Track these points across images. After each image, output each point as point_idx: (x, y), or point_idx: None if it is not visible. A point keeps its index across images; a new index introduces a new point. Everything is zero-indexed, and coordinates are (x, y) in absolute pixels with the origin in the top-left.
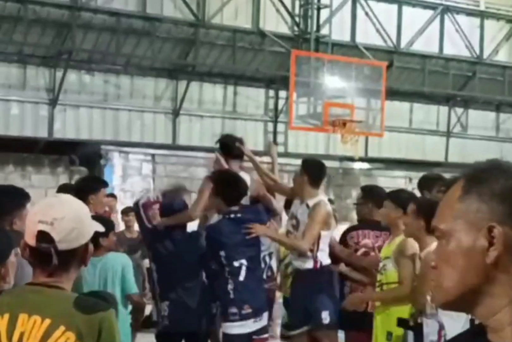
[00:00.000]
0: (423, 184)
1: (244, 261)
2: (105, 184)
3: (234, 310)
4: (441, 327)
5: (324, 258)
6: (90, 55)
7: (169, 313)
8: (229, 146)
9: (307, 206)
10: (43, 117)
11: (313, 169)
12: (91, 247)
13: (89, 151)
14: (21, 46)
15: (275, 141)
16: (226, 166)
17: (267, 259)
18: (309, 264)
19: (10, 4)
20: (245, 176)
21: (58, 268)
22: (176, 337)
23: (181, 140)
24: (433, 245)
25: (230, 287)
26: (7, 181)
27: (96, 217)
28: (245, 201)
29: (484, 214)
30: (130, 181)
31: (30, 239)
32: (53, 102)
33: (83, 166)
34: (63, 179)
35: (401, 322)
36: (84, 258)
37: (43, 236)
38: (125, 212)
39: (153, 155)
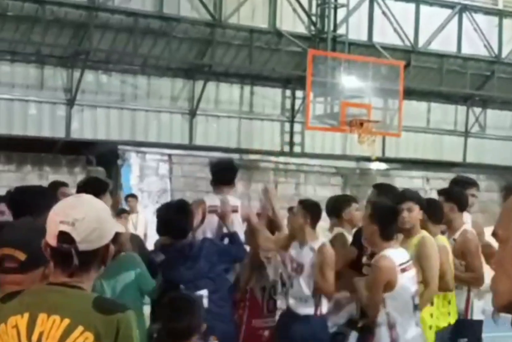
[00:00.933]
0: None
1: (204, 292)
2: (108, 186)
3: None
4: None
5: (325, 304)
6: (107, 55)
7: None
8: (221, 174)
9: (311, 249)
10: (60, 118)
11: (314, 210)
12: (112, 247)
13: (106, 151)
14: (39, 47)
15: (291, 142)
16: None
17: (271, 292)
18: (310, 310)
19: (28, 5)
20: (236, 201)
21: (79, 268)
22: None
23: (198, 141)
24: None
25: None
26: (25, 180)
27: None
28: (239, 226)
29: None
30: (147, 181)
31: (51, 239)
32: (70, 103)
33: (100, 166)
34: (80, 179)
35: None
36: (104, 258)
37: (64, 237)
38: (118, 214)
39: (169, 156)
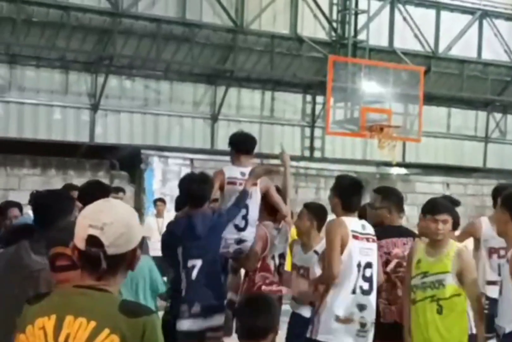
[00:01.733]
0: (496, 194)
1: (199, 261)
2: (110, 191)
3: (184, 307)
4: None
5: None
6: (130, 61)
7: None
8: (240, 142)
9: (315, 252)
10: (84, 122)
11: (319, 213)
12: (139, 252)
13: (129, 155)
14: (64, 52)
15: (312, 147)
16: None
17: (276, 259)
18: (307, 312)
19: (53, 11)
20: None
21: (106, 272)
22: None
23: (219, 145)
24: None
25: (183, 285)
26: (49, 184)
27: None
28: (256, 200)
29: None
30: (169, 185)
31: (79, 242)
32: (94, 107)
33: (124, 170)
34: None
35: None
36: (131, 262)
37: (93, 240)
38: None
39: (191, 160)
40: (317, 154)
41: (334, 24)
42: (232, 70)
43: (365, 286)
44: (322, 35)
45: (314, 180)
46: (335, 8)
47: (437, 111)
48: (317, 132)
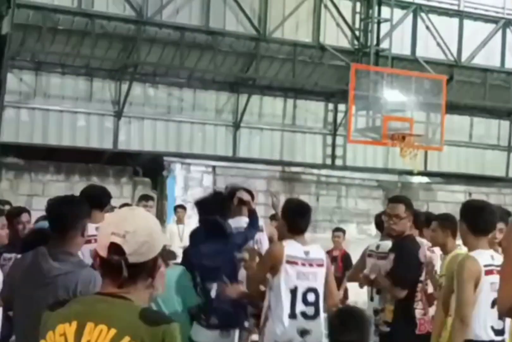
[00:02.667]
0: None
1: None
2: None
3: (203, 316)
4: None
5: None
6: (154, 68)
7: None
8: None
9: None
10: (108, 129)
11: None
12: (160, 261)
13: (152, 162)
14: (88, 60)
15: (333, 155)
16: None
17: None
18: None
19: (78, 19)
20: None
21: (127, 280)
22: None
23: (241, 153)
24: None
25: (202, 300)
26: (73, 190)
27: None
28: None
29: None
30: (191, 192)
31: (101, 250)
32: (118, 115)
33: (146, 177)
34: (127, 189)
35: None
36: (152, 271)
37: (115, 248)
38: None
39: (213, 167)
40: (338, 162)
41: (357, 33)
42: (255, 78)
43: (309, 311)
44: (344, 43)
45: (335, 188)
46: (357, 17)
47: (460, 120)
48: (339, 140)
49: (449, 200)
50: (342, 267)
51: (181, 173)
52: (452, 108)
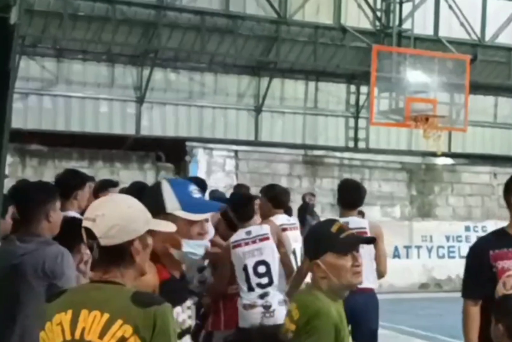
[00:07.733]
0: None
1: None
2: (90, 179)
3: None
4: None
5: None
6: (175, 53)
7: None
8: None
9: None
10: (130, 115)
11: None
12: (144, 244)
13: (174, 147)
14: (109, 46)
15: (356, 137)
16: None
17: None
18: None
19: (99, 5)
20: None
21: (109, 264)
22: None
23: (263, 137)
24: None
25: None
26: (96, 177)
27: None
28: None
29: None
30: (214, 177)
31: (84, 236)
32: (140, 100)
33: (169, 162)
34: (150, 175)
35: None
36: (134, 255)
37: (87, 232)
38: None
39: (236, 152)
40: (361, 145)
41: (378, 13)
42: (276, 61)
43: (263, 281)
44: (366, 24)
45: (358, 170)
46: None
47: (484, 100)
48: (361, 123)
49: (474, 181)
50: None
51: (203, 158)
52: (476, 88)
